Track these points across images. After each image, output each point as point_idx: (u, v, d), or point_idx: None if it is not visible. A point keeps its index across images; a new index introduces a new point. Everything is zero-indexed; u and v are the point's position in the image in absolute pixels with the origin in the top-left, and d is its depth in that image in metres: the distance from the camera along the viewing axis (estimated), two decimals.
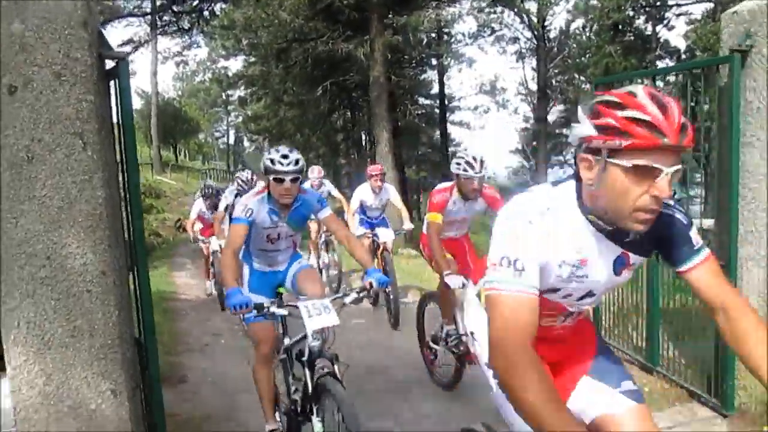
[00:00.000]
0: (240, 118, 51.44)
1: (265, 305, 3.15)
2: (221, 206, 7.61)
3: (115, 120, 2.94)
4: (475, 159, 4.45)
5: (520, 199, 1.70)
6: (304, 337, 3.23)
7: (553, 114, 29.92)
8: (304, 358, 3.23)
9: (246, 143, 58.68)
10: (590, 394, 1.94)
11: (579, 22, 25.74)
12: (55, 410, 2.63)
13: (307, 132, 25.39)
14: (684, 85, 4.60)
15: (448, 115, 31.54)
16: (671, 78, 8.84)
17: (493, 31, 26.50)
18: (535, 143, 28.34)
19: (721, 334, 1.74)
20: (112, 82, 2.87)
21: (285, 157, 3.49)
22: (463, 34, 27.74)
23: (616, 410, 1.88)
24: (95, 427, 2.68)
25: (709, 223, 4.32)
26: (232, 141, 63.51)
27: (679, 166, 1.47)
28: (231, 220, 3.94)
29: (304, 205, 3.77)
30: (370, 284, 3.35)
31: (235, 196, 7.16)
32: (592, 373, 1.99)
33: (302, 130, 25.90)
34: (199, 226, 9.13)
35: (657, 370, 4.73)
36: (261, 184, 6.22)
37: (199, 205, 9.24)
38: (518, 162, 38.50)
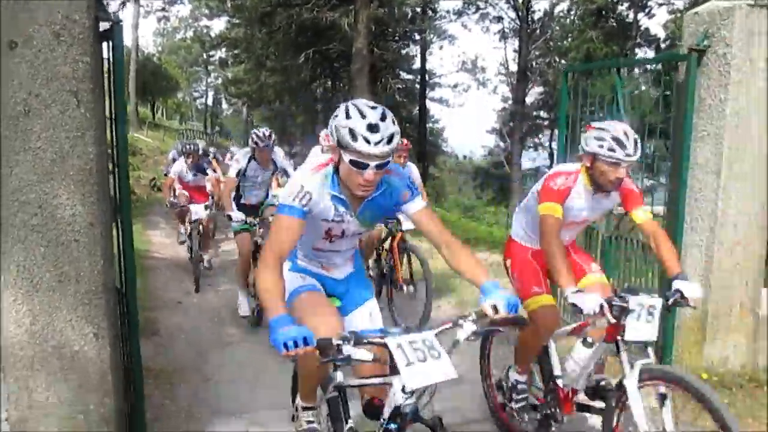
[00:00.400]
0: (220, 80, 50.85)
1: (335, 343, 2.11)
2: (232, 171, 6.22)
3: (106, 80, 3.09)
4: (627, 135, 3.00)
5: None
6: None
7: (532, 96, 30.22)
8: (384, 418, 2.20)
9: (225, 105, 58.13)
10: None
11: (564, 5, 25.90)
12: (40, 349, 2.83)
13: (287, 99, 25.30)
14: (656, 77, 4.86)
15: (427, 91, 31.66)
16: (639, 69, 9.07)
17: (478, 8, 26.63)
18: (511, 124, 28.65)
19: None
20: (105, 44, 3.02)
21: (373, 129, 2.27)
22: (448, 11, 27.78)
23: None
24: (77, 368, 2.89)
25: (659, 209, 4.61)
26: (210, 102, 62.83)
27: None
28: (277, 208, 2.60)
29: (386, 193, 2.56)
30: (495, 308, 2.25)
31: (249, 160, 6.19)
32: None
33: (282, 97, 25.80)
34: (178, 188, 8.79)
35: None
36: (279, 151, 6.48)
37: (180, 165, 8.73)
38: (494, 142, 38.83)
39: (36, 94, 2.67)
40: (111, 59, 3.04)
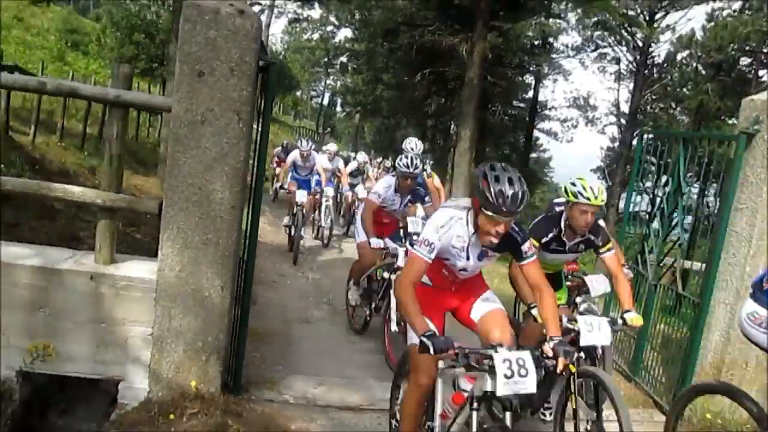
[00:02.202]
0: (338, 84, 52.95)
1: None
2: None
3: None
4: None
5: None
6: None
7: (644, 140, 29.73)
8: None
9: (338, 108, 60.17)
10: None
11: (686, 52, 25.51)
12: (182, 290, 3.91)
13: (399, 114, 26.49)
14: (711, 151, 5.43)
15: (537, 122, 31.99)
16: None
17: (597, 47, 26.79)
18: (615, 165, 28.49)
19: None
20: (259, 77, 4.08)
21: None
22: (566, 46, 28.06)
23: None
24: (205, 308, 3.95)
25: (689, 264, 5.19)
26: (326, 102, 65.24)
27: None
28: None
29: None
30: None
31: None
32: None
33: (395, 111, 27.02)
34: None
35: (635, 379, 5.68)
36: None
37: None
38: (598, 181, 38.31)
39: (211, 109, 3.75)
40: (266, 87, 4.10)
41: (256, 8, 15.19)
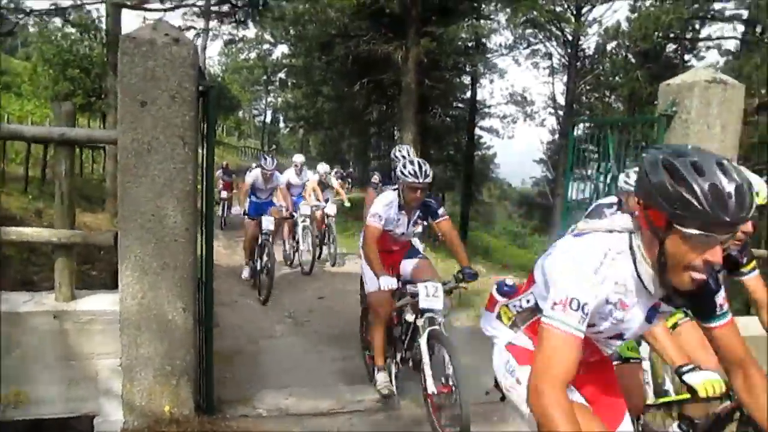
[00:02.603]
0: (279, 100, 52.89)
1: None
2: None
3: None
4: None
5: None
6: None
7: (579, 129, 30.73)
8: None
9: (282, 124, 60.14)
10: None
11: (614, 43, 26.51)
12: (146, 316, 3.98)
13: (341, 125, 26.68)
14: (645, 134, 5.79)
15: (477, 120, 32.62)
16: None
17: (529, 44, 27.62)
18: (557, 156, 29.31)
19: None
20: (202, 100, 4.19)
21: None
22: (500, 45, 28.77)
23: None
24: (170, 331, 4.03)
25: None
26: (269, 120, 65.09)
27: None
28: None
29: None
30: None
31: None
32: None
33: (337, 123, 27.20)
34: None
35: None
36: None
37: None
38: (542, 172, 39.45)
39: (156, 137, 3.84)
40: (207, 111, 4.21)
41: (191, 33, 15.19)
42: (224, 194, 16.88)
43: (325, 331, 7.16)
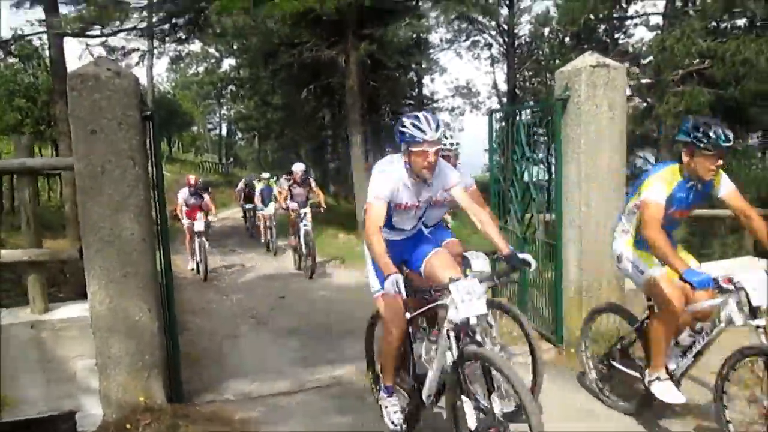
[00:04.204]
0: (232, 112, 52.87)
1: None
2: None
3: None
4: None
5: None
6: None
7: (526, 114, 31.77)
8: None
9: (239, 135, 59.98)
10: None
11: (548, 29, 27.51)
12: (115, 319, 4.49)
13: (291, 132, 27.13)
14: (541, 118, 6.46)
15: None
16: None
17: (468, 36, 28.51)
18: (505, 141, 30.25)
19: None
20: (147, 124, 4.72)
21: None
22: (441, 40, 29.65)
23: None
24: (136, 331, 4.54)
25: (549, 216, 6.21)
26: (225, 133, 64.83)
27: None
28: None
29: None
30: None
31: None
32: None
33: (288, 130, 27.65)
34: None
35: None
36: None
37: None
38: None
39: (109, 160, 4.36)
40: (152, 133, 4.74)
41: (136, 55, 15.53)
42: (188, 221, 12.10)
43: (286, 326, 7.71)
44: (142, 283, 4.53)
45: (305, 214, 11.44)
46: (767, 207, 7.54)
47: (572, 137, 5.71)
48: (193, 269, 12.01)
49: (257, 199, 15.15)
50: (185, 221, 11.99)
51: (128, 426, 4.38)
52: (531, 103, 22.54)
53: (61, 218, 15.23)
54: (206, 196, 12.64)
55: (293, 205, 11.58)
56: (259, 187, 15.59)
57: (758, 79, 16.97)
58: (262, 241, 15.09)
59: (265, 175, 16.71)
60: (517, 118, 6.60)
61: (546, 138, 6.31)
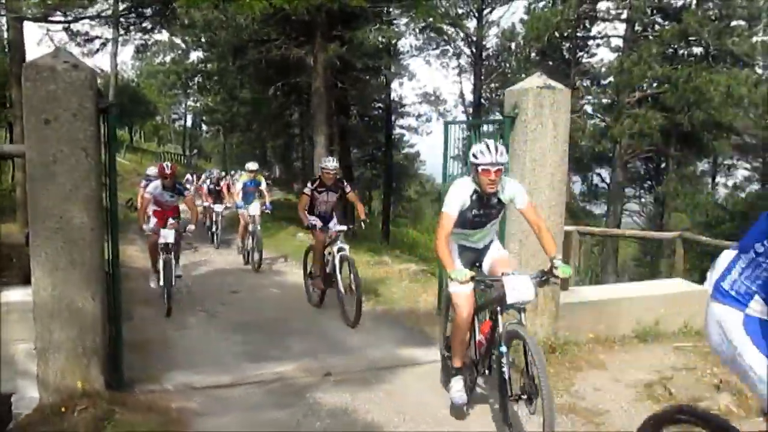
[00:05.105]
0: (198, 103, 52.37)
1: None
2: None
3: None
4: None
5: None
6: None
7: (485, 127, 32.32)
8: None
9: (204, 127, 59.50)
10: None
11: (512, 44, 28.05)
12: (58, 306, 4.56)
13: (257, 128, 27.11)
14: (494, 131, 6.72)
15: (395, 119, 33.75)
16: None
17: (437, 45, 28.90)
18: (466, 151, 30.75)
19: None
20: (103, 116, 4.80)
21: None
22: (411, 47, 29.98)
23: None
24: (80, 318, 4.62)
25: None
26: (189, 124, 64.18)
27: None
28: None
29: None
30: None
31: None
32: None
33: (253, 126, 27.60)
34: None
35: None
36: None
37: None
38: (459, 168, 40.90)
39: (61, 150, 4.44)
40: (107, 125, 4.83)
41: (97, 43, 15.38)
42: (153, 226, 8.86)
43: (236, 320, 7.80)
44: (88, 271, 4.62)
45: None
46: (715, 229, 7.96)
47: (518, 153, 5.98)
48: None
49: (238, 196, 12.28)
50: (148, 225, 8.63)
51: (63, 409, 4.45)
52: (492, 116, 23.16)
53: (12, 202, 15.02)
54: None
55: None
56: (242, 181, 12.65)
57: (706, 109, 17.67)
58: (241, 248, 12.76)
59: (253, 166, 12.89)
60: (479, 130, 6.82)
61: None
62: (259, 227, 11.89)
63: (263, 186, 12.72)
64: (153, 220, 8.83)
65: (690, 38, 19.55)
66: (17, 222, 12.80)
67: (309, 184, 8.11)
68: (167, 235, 8.09)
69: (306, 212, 7.89)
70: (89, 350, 4.69)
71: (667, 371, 5.67)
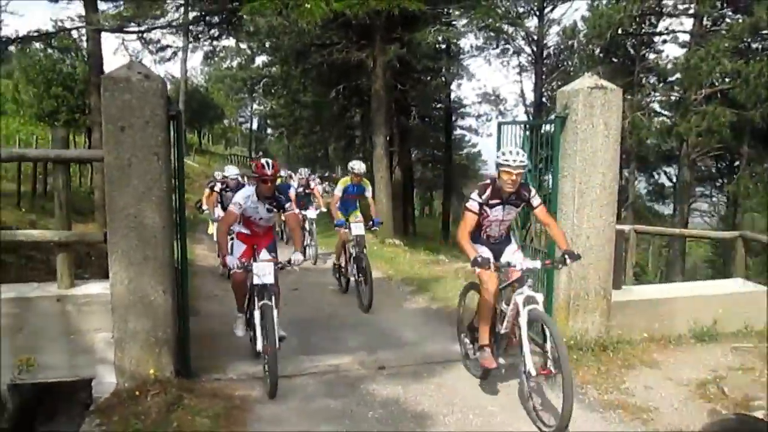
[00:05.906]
0: (264, 106, 53.68)
1: None
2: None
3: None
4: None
5: None
6: None
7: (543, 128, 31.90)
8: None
9: (270, 130, 60.80)
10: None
11: (573, 41, 27.54)
12: (133, 298, 4.96)
13: (320, 131, 27.65)
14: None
15: (455, 120, 33.79)
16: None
17: (497, 44, 28.77)
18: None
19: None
20: (172, 123, 5.18)
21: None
22: (471, 47, 29.98)
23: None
24: (153, 310, 5.01)
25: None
26: (255, 127, 65.76)
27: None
28: None
29: None
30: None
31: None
32: None
33: (316, 129, 28.19)
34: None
35: None
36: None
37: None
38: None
39: (135, 154, 4.83)
40: (177, 131, 5.21)
41: (169, 52, 16.24)
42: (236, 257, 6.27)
43: (295, 316, 8.12)
44: (160, 266, 5.00)
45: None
46: None
47: (569, 153, 6.05)
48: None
49: (335, 207, 9.02)
50: (233, 259, 5.56)
51: (138, 394, 4.85)
52: (533, 120, 22.94)
53: (90, 204, 15.95)
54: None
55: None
56: (341, 186, 9.08)
57: None
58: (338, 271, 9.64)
59: (359, 166, 9.12)
60: (533, 130, 6.87)
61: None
62: (364, 254, 8.56)
63: (368, 193, 9.32)
64: (239, 249, 6.04)
65: (762, 32, 18.80)
66: (95, 222, 13.61)
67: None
68: (264, 273, 5.40)
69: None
70: (161, 340, 5.07)
71: (722, 371, 5.63)
